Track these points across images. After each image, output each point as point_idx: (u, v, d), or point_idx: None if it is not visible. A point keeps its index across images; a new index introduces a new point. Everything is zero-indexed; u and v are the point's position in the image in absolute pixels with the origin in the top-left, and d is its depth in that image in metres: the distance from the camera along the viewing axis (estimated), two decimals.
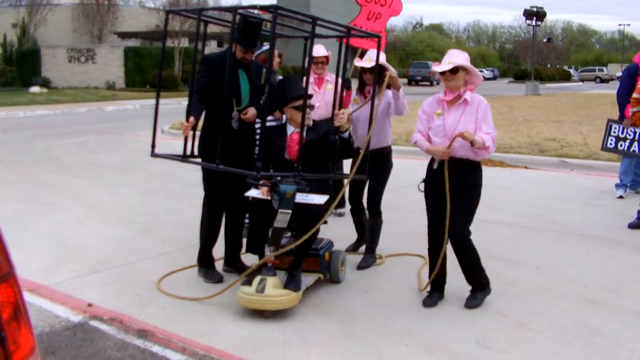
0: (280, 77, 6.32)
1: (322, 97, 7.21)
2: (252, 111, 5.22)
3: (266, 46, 6.16)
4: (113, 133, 17.46)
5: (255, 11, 5.09)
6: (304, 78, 5.20)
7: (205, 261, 5.52)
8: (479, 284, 4.97)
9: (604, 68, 79.04)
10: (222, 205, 5.46)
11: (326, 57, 7.24)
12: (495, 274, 5.61)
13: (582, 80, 73.12)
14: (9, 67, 42.44)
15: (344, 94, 7.22)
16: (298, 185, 4.59)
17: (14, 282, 1.97)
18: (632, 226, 7.19)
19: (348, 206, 6.38)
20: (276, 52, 6.93)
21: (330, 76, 7.18)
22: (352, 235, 6.78)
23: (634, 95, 7.31)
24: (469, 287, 5.06)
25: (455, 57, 4.71)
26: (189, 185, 9.50)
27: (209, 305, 4.88)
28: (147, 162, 11.36)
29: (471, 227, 4.97)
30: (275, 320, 4.58)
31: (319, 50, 7.22)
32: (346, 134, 5.13)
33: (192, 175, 9.62)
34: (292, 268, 4.87)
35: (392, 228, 6.62)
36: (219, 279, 5.41)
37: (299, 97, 4.99)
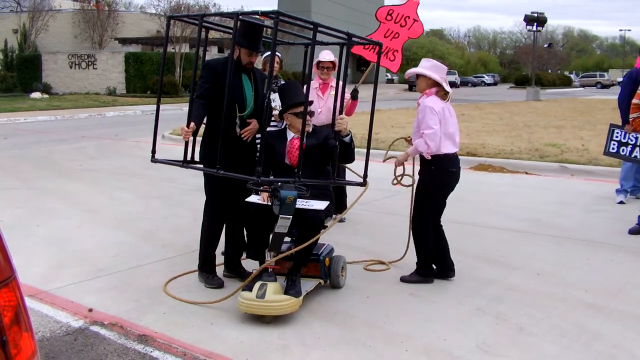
0: (282, 82, 6.33)
1: (324, 103, 7.20)
2: (254, 125, 5.24)
3: (268, 52, 6.17)
4: (113, 139, 17.48)
5: (256, 17, 5.09)
6: (305, 85, 5.21)
7: (206, 267, 5.52)
8: (421, 267, 5.56)
9: (605, 73, 79.12)
10: (223, 210, 5.47)
11: (332, 63, 7.21)
12: (495, 279, 5.64)
13: (583, 86, 73.23)
14: (9, 73, 42.49)
15: (349, 103, 7.24)
16: (298, 191, 4.59)
17: (16, 286, 1.98)
18: (632, 232, 7.18)
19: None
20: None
21: (335, 82, 7.18)
22: (352, 241, 6.79)
23: (634, 100, 7.31)
24: (471, 292, 5.29)
25: (419, 66, 5.53)
26: (188, 190, 9.52)
27: (209, 311, 4.89)
28: (147, 168, 11.38)
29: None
30: (275, 325, 4.58)
31: (326, 55, 7.20)
32: (347, 138, 5.13)
33: (192, 181, 9.64)
34: (292, 273, 4.87)
35: (391, 232, 6.63)
36: (219, 285, 5.41)
37: (299, 104, 5.00)
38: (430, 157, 5.32)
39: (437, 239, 5.58)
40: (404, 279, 5.55)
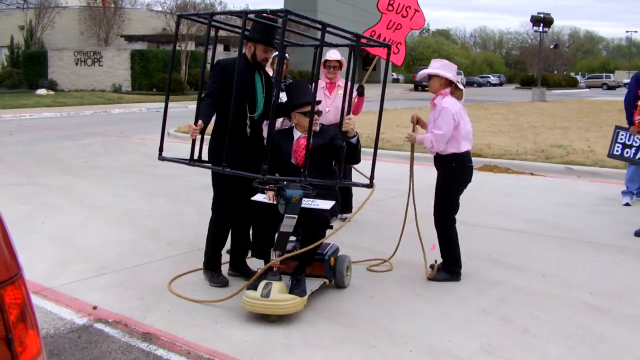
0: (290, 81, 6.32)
1: (332, 102, 7.20)
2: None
3: (276, 53, 6.17)
4: (118, 136, 17.50)
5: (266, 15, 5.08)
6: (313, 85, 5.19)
7: (211, 265, 5.52)
8: (447, 265, 5.61)
9: (611, 75, 78.92)
10: (231, 209, 5.45)
11: (338, 62, 7.21)
12: (500, 280, 5.63)
13: (589, 87, 73.04)
14: (15, 69, 42.65)
15: (356, 100, 7.24)
16: (304, 190, 4.58)
17: (22, 284, 1.98)
18: (638, 234, 7.16)
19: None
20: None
21: (342, 82, 7.18)
22: (357, 240, 6.78)
23: None
24: (475, 293, 5.27)
25: (430, 67, 5.59)
26: (194, 188, 9.53)
27: (213, 309, 4.89)
28: (152, 165, 11.40)
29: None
30: (279, 325, 4.58)
31: (332, 54, 7.20)
32: (354, 139, 5.12)
33: (198, 179, 9.65)
34: (297, 273, 4.87)
35: (396, 232, 6.61)
36: (224, 283, 5.41)
37: (307, 104, 4.98)
38: (447, 154, 5.42)
39: None
40: (433, 279, 5.53)
